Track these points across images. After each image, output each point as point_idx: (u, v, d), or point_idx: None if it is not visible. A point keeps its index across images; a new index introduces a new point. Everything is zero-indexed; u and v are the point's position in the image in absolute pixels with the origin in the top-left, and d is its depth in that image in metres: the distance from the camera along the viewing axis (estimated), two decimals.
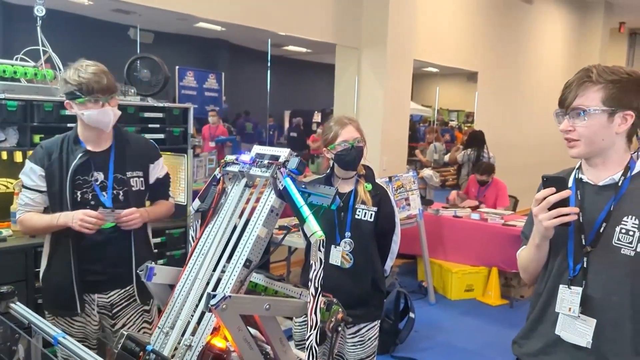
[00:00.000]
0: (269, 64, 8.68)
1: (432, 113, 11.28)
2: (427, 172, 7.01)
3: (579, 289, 1.55)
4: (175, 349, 1.41)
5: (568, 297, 1.57)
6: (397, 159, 5.74)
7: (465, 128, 8.68)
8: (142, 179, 2.28)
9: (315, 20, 5.17)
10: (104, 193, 2.18)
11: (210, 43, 10.97)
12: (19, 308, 1.59)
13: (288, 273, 4.80)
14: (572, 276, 1.57)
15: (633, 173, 1.55)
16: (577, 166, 1.67)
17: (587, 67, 1.53)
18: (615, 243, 1.51)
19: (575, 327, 1.56)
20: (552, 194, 1.47)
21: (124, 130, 2.32)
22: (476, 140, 6.55)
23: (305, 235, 2.72)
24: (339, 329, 1.44)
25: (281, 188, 1.39)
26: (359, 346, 2.41)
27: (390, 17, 5.32)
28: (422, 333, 4.35)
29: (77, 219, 2.06)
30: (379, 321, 2.48)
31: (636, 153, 1.58)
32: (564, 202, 1.47)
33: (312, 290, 1.31)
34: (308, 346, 1.31)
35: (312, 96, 13.07)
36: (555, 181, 1.49)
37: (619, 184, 1.54)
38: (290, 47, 10.61)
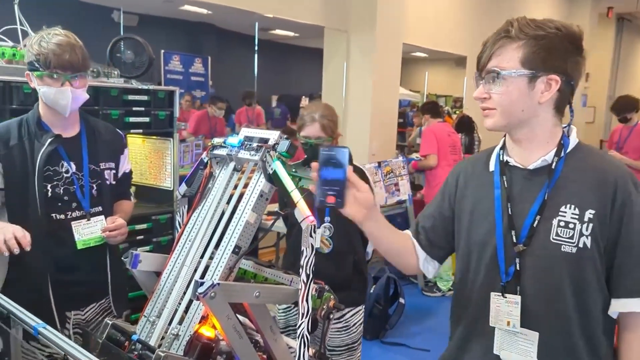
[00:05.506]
0: (256, 48, 8.58)
1: (421, 98, 11.25)
2: (415, 157, 6.98)
3: (517, 298, 1.25)
4: (162, 338, 1.37)
5: (505, 309, 1.27)
6: (386, 144, 5.69)
7: (457, 112, 8.64)
8: (114, 171, 2.00)
9: (303, 2, 5.08)
10: (79, 187, 1.87)
11: (197, 27, 10.82)
12: None
13: (277, 259, 4.76)
14: (505, 282, 1.28)
15: (567, 151, 1.26)
16: (500, 145, 1.37)
17: (509, 20, 1.25)
18: (554, 239, 1.23)
19: (516, 344, 1.27)
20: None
21: (89, 115, 2.04)
22: (464, 125, 6.53)
23: (285, 220, 2.66)
24: (331, 316, 1.41)
25: (270, 172, 1.34)
26: (343, 332, 2.38)
27: None
28: (411, 318, 4.34)
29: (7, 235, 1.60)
30: (363, 307, 2.46)
31: (568, 127, 1.30)
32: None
33: (303, 277, 1.27)
34: (299, 334, 1.27)
35: (299, 81, 12.97)
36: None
37: (553, 166, 1.25)
38: (278, 31, 10.51)
